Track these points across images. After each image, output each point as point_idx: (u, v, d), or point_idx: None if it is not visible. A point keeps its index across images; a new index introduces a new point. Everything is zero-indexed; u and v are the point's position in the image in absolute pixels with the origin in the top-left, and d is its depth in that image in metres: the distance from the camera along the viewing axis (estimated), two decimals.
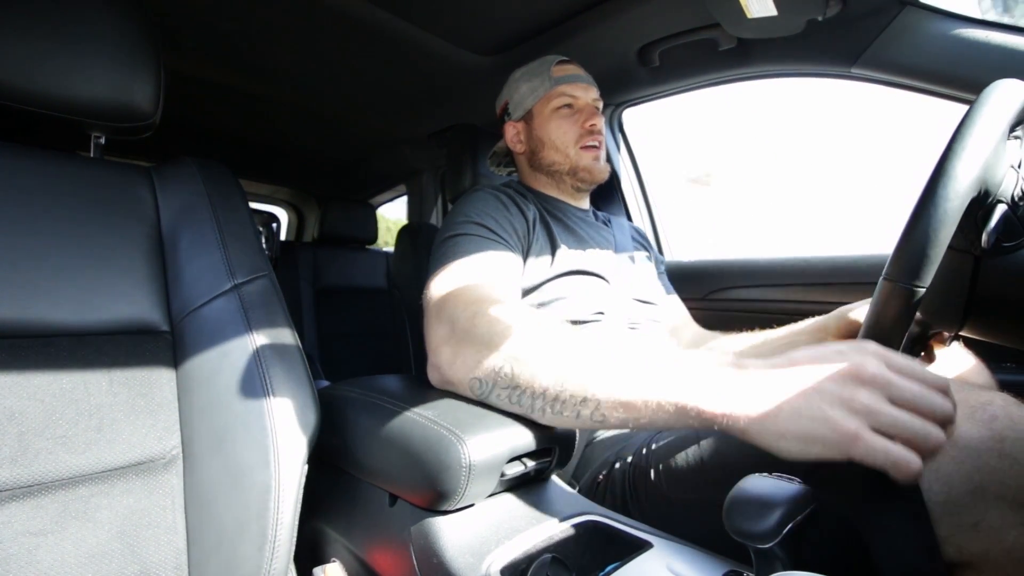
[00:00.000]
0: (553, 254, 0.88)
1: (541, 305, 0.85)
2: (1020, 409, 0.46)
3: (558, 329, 0.56)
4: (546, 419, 0.54)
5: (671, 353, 0.51)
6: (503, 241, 0.80)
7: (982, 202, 0.49)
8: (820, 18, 0.91)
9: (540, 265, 0.86)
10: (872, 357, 0.41)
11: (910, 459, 0.37)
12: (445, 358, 0.60)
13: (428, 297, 0.69)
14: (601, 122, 0.98)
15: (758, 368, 0.45)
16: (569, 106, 0.98)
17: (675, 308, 1.10)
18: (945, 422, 0.39)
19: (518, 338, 0.55)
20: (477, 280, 0.69)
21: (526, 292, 0.85)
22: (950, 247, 0.52)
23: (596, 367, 0.51)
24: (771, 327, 0.91)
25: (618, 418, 0.49)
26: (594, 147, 0.97)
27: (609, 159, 1.51)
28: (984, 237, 0.50)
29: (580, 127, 0.97)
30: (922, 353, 0.66)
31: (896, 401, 0.39)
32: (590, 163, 0.98)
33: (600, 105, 1.01)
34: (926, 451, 0.38)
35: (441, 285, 0.68)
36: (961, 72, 0.85)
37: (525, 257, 0.86)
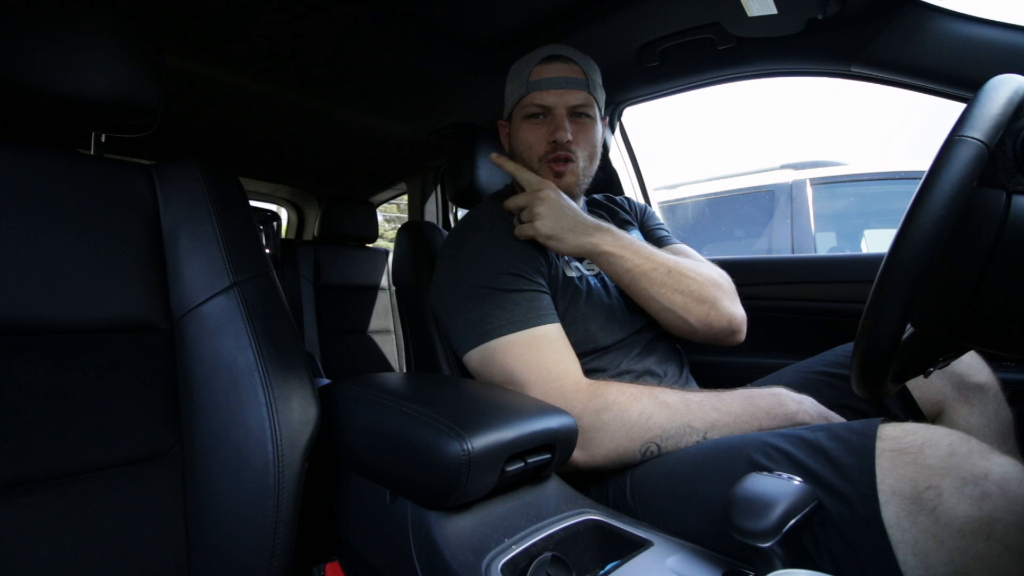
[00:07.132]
0: (563, 277, 0.85)
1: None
2: (1021, 486, 0.40)
3: (658, 396, 0.71)
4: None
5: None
6: (543, 289, 0.80)
7: (1018, 132, 0.51)
8: (820, 16, 0.91)
9: (557, 293, 0.84)
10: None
11: None
12: (585, 446, 0.69)
13: (496, 359, 0.75)
14: (568, 134, 0.85)
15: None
16: (540, 115, 0.88)
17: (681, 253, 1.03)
18: None
19: (641, 419, 0.68)
20: (561, 359, 0.74)
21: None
22: (979, 184, 0.53)
23: (693, 410, 0.69)
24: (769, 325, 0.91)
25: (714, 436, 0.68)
26: (558, 162, 0.86)
27: (607, 159, 1.51)
28: None
29: (546, 140, 0.87)
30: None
31: None
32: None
33: (588, 109, 0.89)
34: None
35: (521, 360, 0.73)
36: (962, 70, 0.85)
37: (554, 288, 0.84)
